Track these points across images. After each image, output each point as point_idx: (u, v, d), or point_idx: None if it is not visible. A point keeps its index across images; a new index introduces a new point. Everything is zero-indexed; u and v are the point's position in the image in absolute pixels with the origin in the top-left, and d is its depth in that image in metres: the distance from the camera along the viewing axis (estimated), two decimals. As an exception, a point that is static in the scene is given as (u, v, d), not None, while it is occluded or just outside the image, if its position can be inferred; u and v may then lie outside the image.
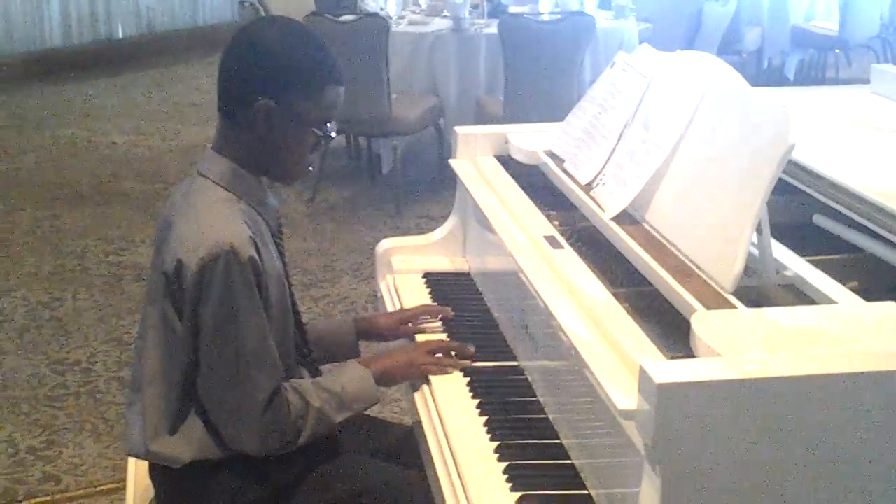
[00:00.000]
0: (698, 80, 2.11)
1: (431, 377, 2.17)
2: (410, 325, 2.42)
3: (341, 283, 4.97)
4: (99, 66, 9.99)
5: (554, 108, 5.72)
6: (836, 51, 8.40)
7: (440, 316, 2.44)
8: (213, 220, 1.93)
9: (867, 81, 2.88)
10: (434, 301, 2.57)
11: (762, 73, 8.51)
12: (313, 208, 6.06)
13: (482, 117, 6.10)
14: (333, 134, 2.07)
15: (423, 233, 2.97)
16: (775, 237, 1.91)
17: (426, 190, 6.35)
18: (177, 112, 8.36)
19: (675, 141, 2.07)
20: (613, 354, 1.69)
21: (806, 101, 2.76)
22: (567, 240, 2.22)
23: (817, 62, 8.81)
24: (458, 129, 2.87)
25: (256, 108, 1.96)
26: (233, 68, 2.02)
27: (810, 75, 8.83)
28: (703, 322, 1.58)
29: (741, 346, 1.51)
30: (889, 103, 2.68)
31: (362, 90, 5.83)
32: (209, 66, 8.95)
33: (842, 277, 1.87)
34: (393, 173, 6.26)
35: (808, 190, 2.17)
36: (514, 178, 2.64)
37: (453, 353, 2.23)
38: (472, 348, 2.23)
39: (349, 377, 2.09)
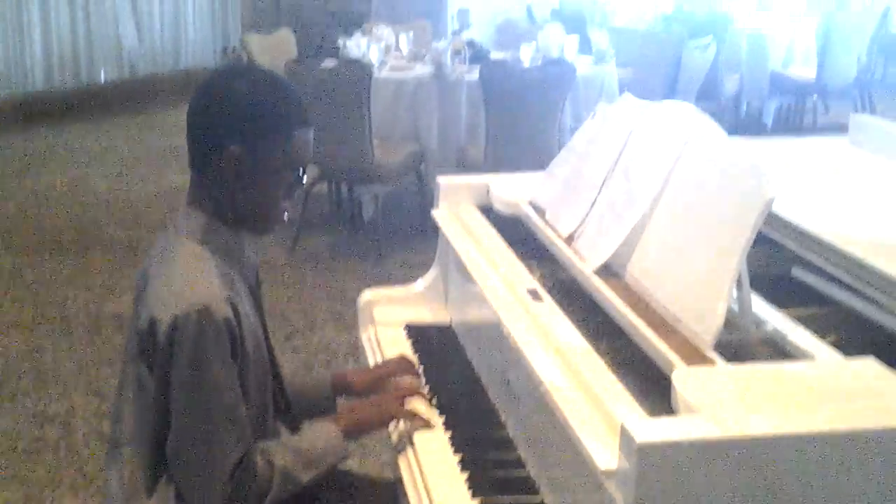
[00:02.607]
0: (678, 132, 2.12)
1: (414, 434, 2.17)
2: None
3: (322, 332, 4.95)
4: (81, 110, 10.00)
5: (535, 154, 5.76)
6: (814, 97, 8.47)
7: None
8: (187, 277, 1.92)
9: (845, 128, 2.89)
10: (416, 354, 2.57)
11: (740, 118, 8.57)
12: (294, 256, 6.06)
13: (464, 164, 6.12)
14: (305, 178, 2.07)
15: (404, 280, 2.97)
16: (754, 289, 1.91)
17: (408, 237, 6.36)
18: (159, 157, 8.37)
19: (655, 193, 2.08)
20: (595, 411, 1.69)
21: (784, 152, 2.78)
22: (549, 291, 2.22)
23: (795, 108, 8.87)
24: (441, 178, 2.88)
25: (226, 157, 1.96)
26: (200, 118, 2.01)
27: (788, 121, 8.89)
28: (684, 379, 1.58)
29: (722, 404, 1.51)
30: (866, 155, 2.70)
31: (344, 137, 5.85)
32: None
33: (821, 331, 1.88)
34: (374, 220, 6.26)
35: (787, 243, 2.18)
36: (495, 228, 2.65)
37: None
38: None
39: (316, 434, 2.07)
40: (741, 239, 1.78)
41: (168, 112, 10.04)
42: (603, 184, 2.29)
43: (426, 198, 6.25)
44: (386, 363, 2.50)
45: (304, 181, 2.08)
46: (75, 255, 6.08)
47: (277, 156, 1.99)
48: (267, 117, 1.98)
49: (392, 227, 6.44)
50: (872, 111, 8.59)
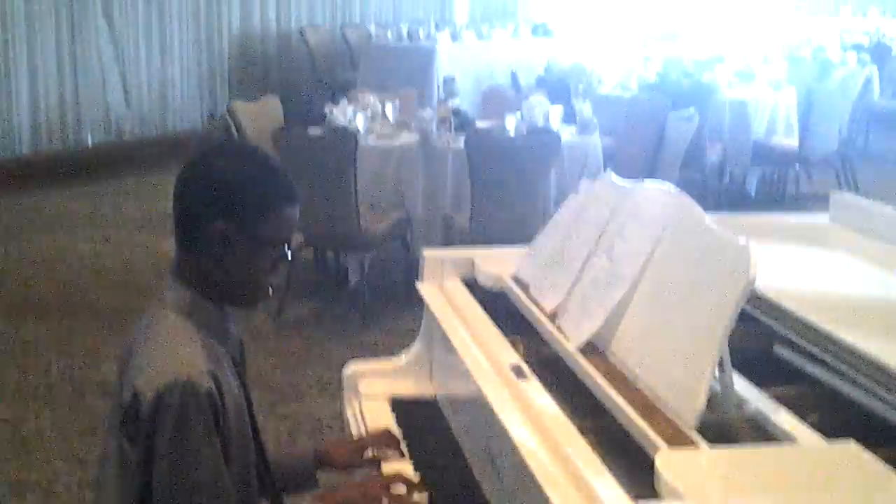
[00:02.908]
0: (660, 212, 2.15)
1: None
2: (370, 452, 2.42)
3: (307, 399, 4.94)
4: (68, 174, 9.99)
5: (520, 221, 5.80)
6: (797, 166, 8.55)
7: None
8: (171, 351, 1.94)
9: (827, 197, 2.93)
10: (400, 428, 2.57)
11: (724, 187, 8.64)
12: (279, 323, 6.04)
13: (449, 232, 6.15)
14: (290, 255, 2.10)
15: (390, 348, 2.99)
16: (735, 367, 1.93)
17: (393, 304, 6.36)
18: (145, 221, 8.37)
19: (637, 272, 2.11)
20: (578, 491, 1.70)
21: (765, 230, 2.81)
22: (532, 368, 2.23)
23: (778, 177, 8.95)
24: (426, 251, 2.91)
25: (213, 232, 1.99)
26: (188, 194, 2.05)
27: (771, 190, 8.96)
28: (667, 462, 1.60)
29: (705, 489, 1.52)
30: (847, 233, 2.73)
31: (330, 204, 5.88)
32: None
33: (802, 410, 1.90)
34: (360, 287, 6.27)
35: (769, 321, 2.21)
36: (480, 302, 2.67)
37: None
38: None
39: None
40: (723, 320, 1.81)
41: (155, 176, 10.04)
42: (586, 261, 2.32)
43: (412, 265, 6.26)
44: (368, 436, 2.51)
45: (290, 257, 2.10)
46: (59, 321, 6.06)
47: (264, 232, 2.02)
48: (255, 194, 2.01)
49: (377, 293, 6.44)
50: (854, 180, 8.67)
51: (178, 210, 2.06)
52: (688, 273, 1.96)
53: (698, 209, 2.08)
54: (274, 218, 2.03)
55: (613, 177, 2.47)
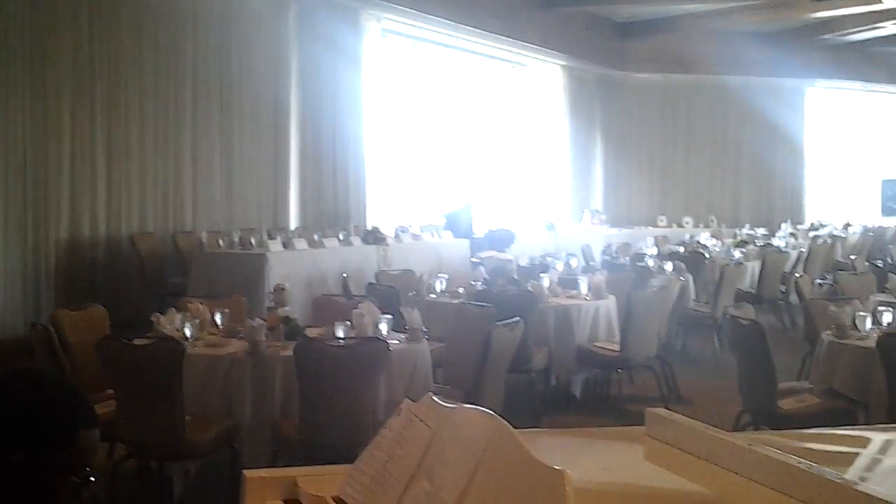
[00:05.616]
0: (480, 437, 2.19)
1: None
2: None
3: None
4: None
5: (349, 428, 5.78)
6: (619, 370, 8.80)
7: None
8: None
9: (650, 398, 3.02)
10: None
11: (550, 389, 8.83)
12: (98, 537, 5.81)
13: (278, 439, 6.09)
14: (93, 478, 2.04)
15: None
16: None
17: (220, 514, 6.20)
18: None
19: (457, 497, 2.13)
20: None
21: (584, 446, 2.88)
22: None
23: (602, 380, 9.20)
24: (246, 472, 2.87)
25: (8, 465, 1.93)
26: None
27: (596, 392, 9.19)
28: None
29: None
30: (662, 447, 2.81)
31: (153, 414, 5.77)
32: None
33: None
34: (184, 498, 6.10)
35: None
36: (304, 525, 2.63)
37: None
38: None
39: None
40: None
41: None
42: (408, 483, 2.33)
43: (239, 473, 6.12)
44: None
45: (93, 480, 2.05)
46: None
47: (62, 459, 1.97)
48: (47, 422, 1.97)
49: (204, 503, 6.28)
50: (675, 383, 8.96)
51: None
52: (507, 499, 1.99)
53: (516, 434, 2.13)
54: (73, 443, 1.98)
55: (434, 399, 2.51)
